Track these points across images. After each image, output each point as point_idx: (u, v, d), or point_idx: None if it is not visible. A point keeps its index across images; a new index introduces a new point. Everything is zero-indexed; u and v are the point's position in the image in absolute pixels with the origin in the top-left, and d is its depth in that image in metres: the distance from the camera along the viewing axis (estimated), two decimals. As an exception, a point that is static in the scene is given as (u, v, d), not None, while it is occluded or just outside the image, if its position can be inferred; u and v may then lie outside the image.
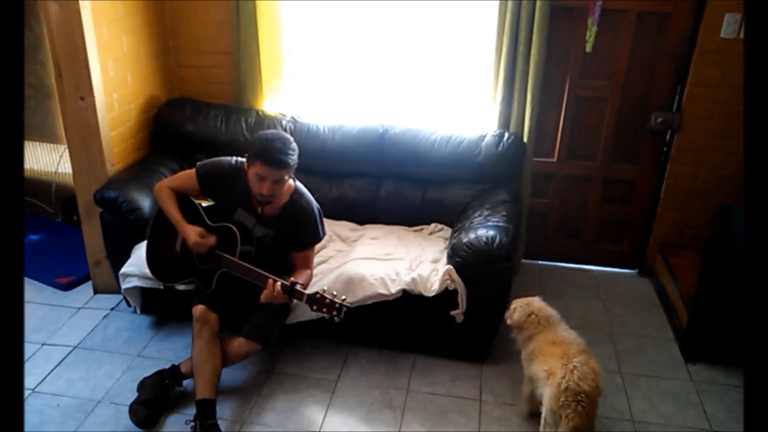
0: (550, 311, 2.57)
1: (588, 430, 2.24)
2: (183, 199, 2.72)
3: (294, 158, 2.52)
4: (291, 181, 2.69)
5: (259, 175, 2.49)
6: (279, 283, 2.45)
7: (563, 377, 2.22)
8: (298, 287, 2.45)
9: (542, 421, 2.33)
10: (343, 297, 2.46)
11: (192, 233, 2.59)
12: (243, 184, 2.62)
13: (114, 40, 3.18)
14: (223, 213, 2.70)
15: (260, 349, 2.62)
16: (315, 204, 2.75)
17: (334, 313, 2.42)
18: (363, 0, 3.43)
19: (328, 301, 2.42)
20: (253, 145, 2.55)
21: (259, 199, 2.58)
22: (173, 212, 2.66)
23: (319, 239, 2.78)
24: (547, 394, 2.28)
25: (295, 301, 2.74)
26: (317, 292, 2.43)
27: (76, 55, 2.95)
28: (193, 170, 2.73)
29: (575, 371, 2.23)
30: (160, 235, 2.75)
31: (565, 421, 2.19)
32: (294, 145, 2.55)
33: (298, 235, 2.71)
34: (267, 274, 2.49)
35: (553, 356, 2.34)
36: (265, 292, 2.47)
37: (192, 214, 2.70)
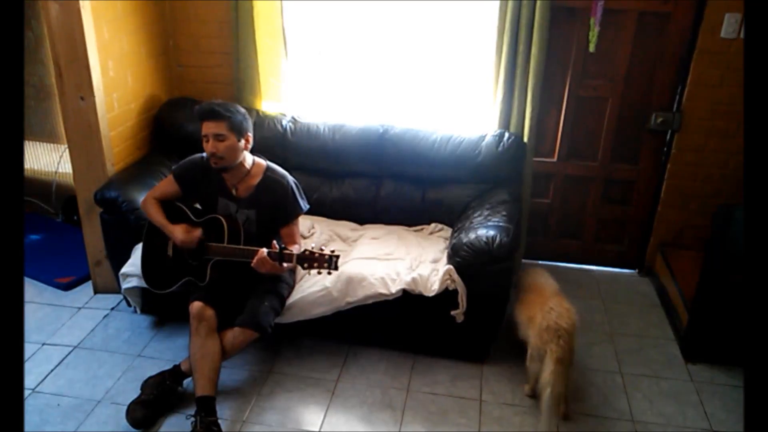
0: (541, 281, 2.88)
1: (569, 360, 2.52)
2: (170, 205, 2.79)
3: (233, 116, 2.60)
4: (262, 161, 2.78)
5: (204, 136, 2.61)
6: (267, 250, 2.48)
7: (543, 318, 2.55)
8: (286, 251, 2.49)
9: (528, 357, 2.65)
10: (332, 249, 2.49)
11: (178, 232, 2.67)
12: (216, 174, 2.71)
13: (114, 40, 3.18)
14: (208, 208, 2.77)
15: (256, 336, 2.62)
16: (290, 177, 2.79)
17: (326, 265, 2.46)
18: (363, 0, 3.44)
19: (317, 255, 2.46)
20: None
21: (214, 167, 2.65)
22: (158, 218, 2.75)
23: (301, 211, 2.80)
24: (531, 335, 2.62)
25: (294, 298, 2.77)
26: (305, 250, 2.48)
27: (76, 55, 2.95)
28: (170, 174, 2.84)
29: (552, 312, 2.56)
30: (153, 245, 2.81)
31: (549, 354, 2.48)
32: (236, 107, 2.66)
33: (279, 211, 2.74)
34: (257, 248, 2.53)
35: (532, 303, 2.70)
36: (255, 257, 2.49)
37: (178, 216, 2.77)
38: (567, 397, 2.61)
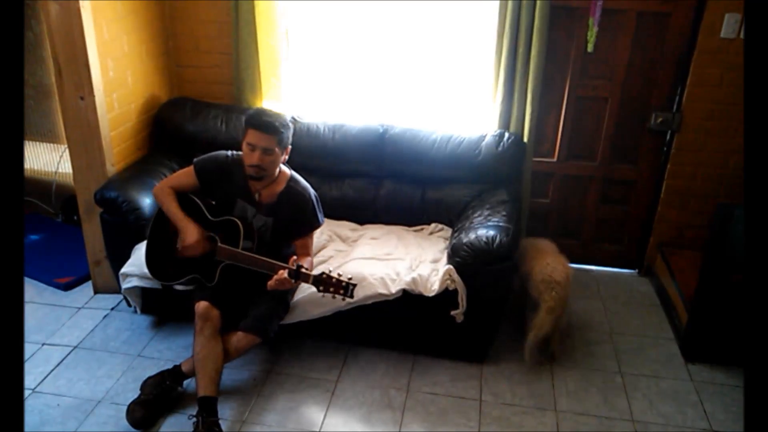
0: (542, 244, 3.15)
1: (561, 308, 2.85)
2: (183, 197, 2.74)
3: (285, 132, 2.58)
4: (286, 170, 2.76)
5: (249, 144, 2.57)
6: (285, 269, 2.45)
7: (540, 272, 2.87)
8: (303, 269, 2.46)
9: (527, 306, 2.94)
10: (349, 276, 2.47)
11: (191, 233, 2.61)
12: (240, 176, 2.66)
13: (114, 40, 3.18)
14: (224, 207, 2.72)
15: (259, 342, 2.62)
16: (312, 190, 2.78)
17: (341, 291, 2.44)
18: (363, 0, 3.44)
19: (334, 280, 2.44)
20: (246, 115, 2.64)
21: (251, 174, 2.61)
22: (175, 210, 2.67)
23: (318, 225, 2.79)
24: (529, 286, 2.92)
25: (295, 298, 2.77)
26: (323, 273, 2.45)
27: (76, 54, 2.95)
28: (191, 166, 2.76)
29: (548, 266, 2.87)
30: (161, 235, 2.76)
31: (543, 305, 2.80)
32: (286, 121, 2.63)
33: (296, 222, 2.73)
34: (272, 260, 2.50)
35: (533, 260, 2.98)
36: (274, 277, 2.46)
37: (193, 211, 2.71)
38: (555, 341, 2.95)
